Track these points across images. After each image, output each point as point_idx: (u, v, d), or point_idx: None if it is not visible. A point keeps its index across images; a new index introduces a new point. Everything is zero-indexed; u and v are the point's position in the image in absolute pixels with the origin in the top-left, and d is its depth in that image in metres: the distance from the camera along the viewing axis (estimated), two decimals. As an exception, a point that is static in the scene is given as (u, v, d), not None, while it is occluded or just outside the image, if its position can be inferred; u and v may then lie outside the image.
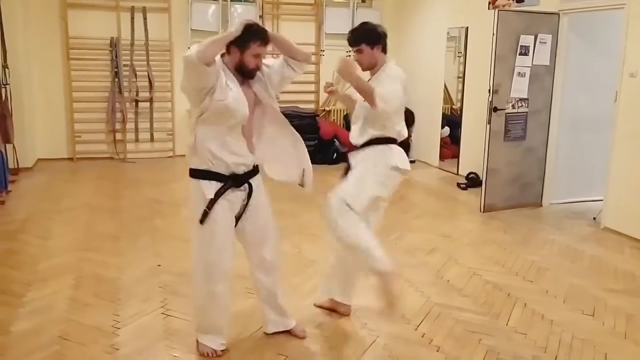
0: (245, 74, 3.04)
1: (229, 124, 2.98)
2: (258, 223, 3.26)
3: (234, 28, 2.93)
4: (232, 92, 2.94)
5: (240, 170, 3.10)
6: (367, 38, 3.50)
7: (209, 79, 2.83)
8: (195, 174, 3.09)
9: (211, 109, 2.90)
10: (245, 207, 3.17)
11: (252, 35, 2.94)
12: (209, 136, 2.99)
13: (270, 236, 3.34)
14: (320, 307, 3.90)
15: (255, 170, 3.19)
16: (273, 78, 3.19)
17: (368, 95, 3.31)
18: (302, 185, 3.35)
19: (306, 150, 3.32)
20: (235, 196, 3.12)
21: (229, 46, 2.95)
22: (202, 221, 3.05)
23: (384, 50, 3.56)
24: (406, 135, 3.60)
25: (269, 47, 3.06)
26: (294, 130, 3.29)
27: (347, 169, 3.58)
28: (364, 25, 3.59)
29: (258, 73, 3.10)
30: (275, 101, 3.22)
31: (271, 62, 3.21)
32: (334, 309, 3.85)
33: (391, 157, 3.49)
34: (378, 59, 3.53)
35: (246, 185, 3.15)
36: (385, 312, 3.43)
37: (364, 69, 3.56)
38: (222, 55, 3.03)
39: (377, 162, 3.47)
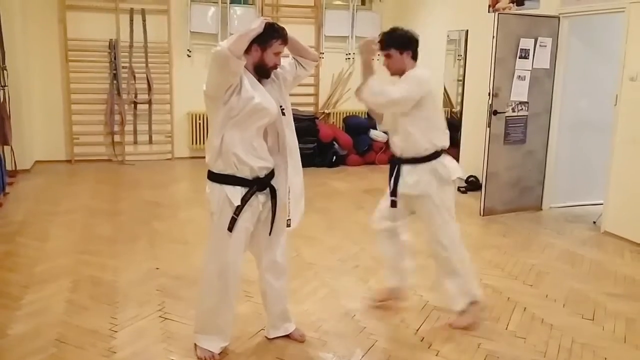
0: (263, 72, 3.05)
1: (259, 125, 3.00)
2: (276, 226, 3.25)
3: (256, 24, 2.94)
4: (257, 91, 2.96)
5: (263, 173, 3.10)
6: (397, 43, 3.49)
7: (236, 76, 2.85)
8: (219, 178, 3.07)
9: (242, 109, 2.91)
10: (274, 208, 3.17)
11: (274, 32, 2.99)
12: (236, 140, 2.98)
13: (281, 240, 3.33)
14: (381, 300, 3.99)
15: (273, 173, 3.19)
16: (287, 78, 3.21)
17: (363, 79, 3.42)
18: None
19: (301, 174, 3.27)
20: (258, 201, 3.13)
21: (249, 45, 2.94)
22: (230, 229, 3.04)
23: (414, 57, 3.54)
24: (446, 145, 3.59)
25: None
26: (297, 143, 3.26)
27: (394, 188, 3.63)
28: (395, 30, 3.57)
29: (272, 74, 3.11)
30: (289, 102, 3.22)
31: (283, 62, 3.21)
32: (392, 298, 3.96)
33: (446, 171, 3.52)
34: (407, 65, 3.51)
35: (268, 188, 3.15)
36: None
37: (392, 74, 3.56)
38: None
39: (437, 187, 3.52)
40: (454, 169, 3.59)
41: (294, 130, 3.21)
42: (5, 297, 4.00)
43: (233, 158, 3.00)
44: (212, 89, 2.93)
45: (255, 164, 3.04)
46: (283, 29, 3.06)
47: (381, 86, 3.37)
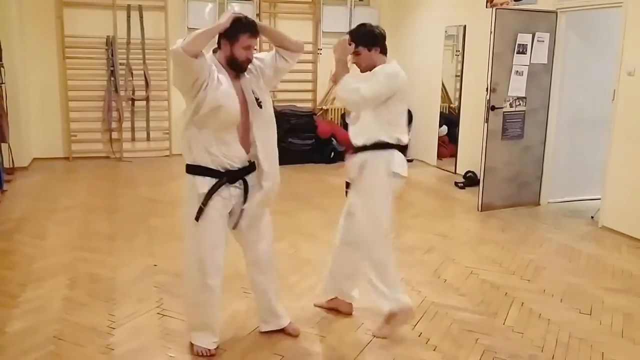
0: (236, 67, 3.03)
1: (224, 121, 2.96)
2: (254, 221, 3.24)
3: (221, 20, 2.92)
4: (222, 86, 2.94)
5: (235, 166, 3.08)
6: (364, 40, 3.46)
7: (197, 72, 2.83)
8: (191, 169, 3.08)
9: (205, 104, 2.88)
10: (243, 203, 3.15)
11: (241, 27, 2.95)
12: (203, 132, 2.98)
13: (265, 234, 3.33)
14: (321, 307, 3.88)
15: (251, 167, 3.16)
16: (266, 72, 3.17)
17: (337, 77, 3.41)
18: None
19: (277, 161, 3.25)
20: (230, 193, 3.10)
21: (219, 40, 2.95)
22: (197, 218, 3.03)
23: (383, 52, 3.51)
24: (406, 142, 3.54)
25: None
26: (275, 135, 3.23)
27: (347, 184, 3.58)
28: (361, 26, 3.54)
29: (250, 67, 3.09)
30: (268, 95, 3.19)
31: (263, 55, 3.19)
32: (335, 309, 3.83)
33: (393, 163, 3.47)
34: (377, 61, 3.48)
35: (241, 181, 3.13)
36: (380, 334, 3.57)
37: (362, 71, 3.53)
38: (214, 51, 3.04)
39: (381, 175, 3.45)
40: (401, 165, 3.53)
41: (274, 124, 3.19)
42: (3, 295, 4.00)
43: (202, 150, 3.00)
44: (178, 84, 2.96)
45: (224, 157, 3.02)
46: (252, 21, 3.01)
47: (355, 84, 3.35)
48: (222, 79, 2.96)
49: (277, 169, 3.22)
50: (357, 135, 3.52)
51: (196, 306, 3.23)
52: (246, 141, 3.12)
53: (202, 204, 3.02)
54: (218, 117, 2.94)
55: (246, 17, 3.00)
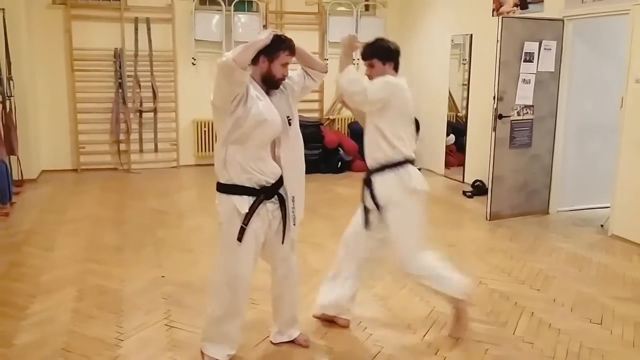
0: (271, 84, 3.06)
1: (263, 136, 2.98)
2: (287, 235, 3.24)
3: (264, 35, 2.95)
4: (261, 101, 2.97)
5: (270, 182, 3.09)
6: (380, 54, 3.53)
7: (242, 86, 2.85)
8: (226, 189, 3.07)
9: (247, 120, 2.91)
10: (284, 217, 3.17)
11: (281, 44, 2.99)
12: (241, 150, 2.99)
13: (294, 247, 3.35)
14: (318, 318, 3.86)
15: (281, 181, 3.17)
16: (295, 89, 3.21)
17: (340, 67, 3.44)
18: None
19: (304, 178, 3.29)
20: (267, 209, 3.12)
21: (257, 56, 2.95)
22: (240, 238, 3.04)
23: (396, 69, 3.57)
24: (412, 156, 3.54)
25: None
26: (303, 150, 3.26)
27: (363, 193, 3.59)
28: (378, 40, 3.61)
29: (281, 85, 3.12)
30: (296, 113, 3.22)
31: (290, 73, 3.20)
32: (332, 320, 3.81)
33: (409, 180, 3.47)
34: (388, 76, 3.51)
35: (276, 196, 3.15)
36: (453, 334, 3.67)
37: None
38: None
39: (400, 199, 3.46)
40: (419, 180, 3.56)
41: (301, 140, 3.22)
42: (11, 307, 4.00)
43: (238, 168, 3.00)
44: (219, 100, 2.93)
45: (261, 174, 3.04)
46: (291, 40, 3.06)
47: (358, 74, 3.40)
48: (259, 94, 2.99)
49: (303, 183, 3.26)
50: (367, 156, 3.57)
51: (219, 320, 3.21)
52: (274, 157, 3.15)
53: (244, 223, 3.03)
54: (262, 131, 2.96)
55: (285, 35, 3.04)
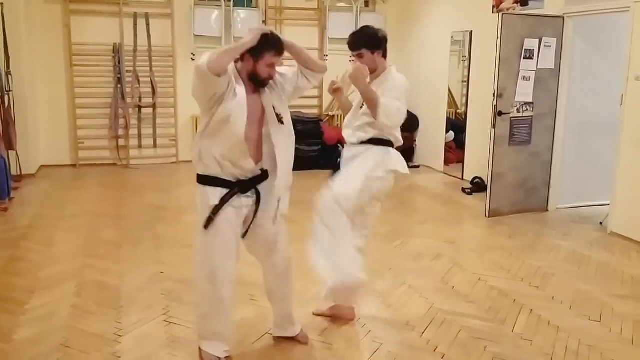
0: (257, 83, 3.01)
1: (229, 133, 2.93)
2: (269, 229, 3.22)
3: (250, 36, 2.88)
4: (236, 98, 2.91)
5: (247, 176, 3.07)
6: (368, 43, 3.53)
7: (217, 88, 2.81)
8: (202, 180, 3.06)
9: (217, 114, 2.87)
10: (255, 212, 3.13)
11: (267, 44, 2.92)
12: (215, 143, 2.96)
13: (280, 242, 3.31)
14: (322, 315, 3.85)
15: (263, 176, 3.14)
16: (287, 88, 3.16)
17: (373, 105, 3.38)
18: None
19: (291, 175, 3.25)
20: (241, 202, 3.08)
21: (243, 54, 2.92)
22: (206, 226, 3.02)
23: (384, 55, 3.58)
24: (401, 142, 3.61)
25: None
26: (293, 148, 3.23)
27: (337, 166, 3.62)
28: (365, 29, 3.60)
29: (271, 82, 3.07)
30: (287, 110, 3.17)
31: (285, 70, 3.17)
32: (336, 315, 3.81)
33: (390, 160, 3.49)
34: (378, 64, 3.56)
35: (253, 191, 3.11)
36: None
37: None
38: (235, 62, 2.99)
39: (375, 163, 3.47)
40: (400, 162, 3.62)
41: (293, 139, 3.17)
42: (10, 302, 4.00)
43: (212, 160, 2.98)
44: (197, 97, 2.92)
45: (235, 167, 3.00)
46: (279, 39, 2.98)
47: (392, 103, 3.39)
48: (238, 91, 2.93)
49: (290, 179, 3.21)
50: (355, 133, 3.65)
51: (206, 316, 3.21)
52: (258, 153, 3.09)
53: (212, 213, 3.00)
54: (226, 127, 2.91)
55: (273, 34, 2.97)
